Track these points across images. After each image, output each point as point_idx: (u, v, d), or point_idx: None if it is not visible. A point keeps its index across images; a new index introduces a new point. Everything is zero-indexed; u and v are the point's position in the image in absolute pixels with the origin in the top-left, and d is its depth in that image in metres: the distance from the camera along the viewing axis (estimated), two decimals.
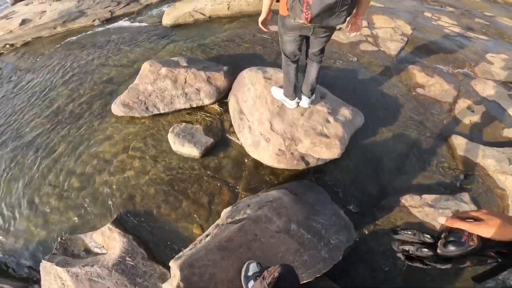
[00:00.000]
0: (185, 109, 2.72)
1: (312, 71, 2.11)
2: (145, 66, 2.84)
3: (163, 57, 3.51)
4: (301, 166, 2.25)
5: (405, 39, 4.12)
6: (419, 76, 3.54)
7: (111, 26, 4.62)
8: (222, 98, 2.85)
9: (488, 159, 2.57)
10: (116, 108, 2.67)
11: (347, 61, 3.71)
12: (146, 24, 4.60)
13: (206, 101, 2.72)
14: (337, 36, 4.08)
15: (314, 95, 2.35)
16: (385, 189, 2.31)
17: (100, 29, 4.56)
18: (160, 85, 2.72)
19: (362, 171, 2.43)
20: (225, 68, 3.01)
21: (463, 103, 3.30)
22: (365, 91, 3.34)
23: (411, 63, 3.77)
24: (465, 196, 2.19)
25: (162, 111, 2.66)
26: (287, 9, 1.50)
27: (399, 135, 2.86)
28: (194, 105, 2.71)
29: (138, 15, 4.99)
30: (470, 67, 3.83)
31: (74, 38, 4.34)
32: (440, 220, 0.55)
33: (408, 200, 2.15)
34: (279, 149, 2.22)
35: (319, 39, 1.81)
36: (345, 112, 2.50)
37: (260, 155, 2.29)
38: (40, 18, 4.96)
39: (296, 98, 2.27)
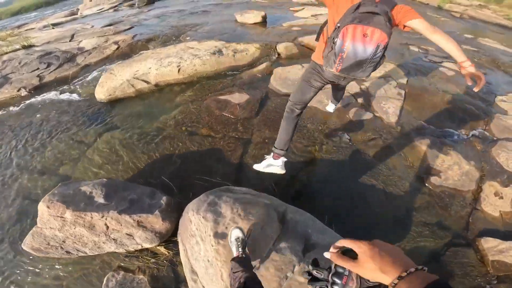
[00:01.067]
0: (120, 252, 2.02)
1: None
2: (42, 209, 1.97)
3: (92, 160, 2.62)
4: None
5: (402, 93, 3.29)
6: (431, 155, 2.73)
7: (38, 99, 3.59)
8: (170, 236, 2.10)
9: None
10: (28, 250, 1.98)
11: (337, 145, 2.80)
12: (78, 98, 3.52)
13: (147, 245, 1.99)
14: (319, 101, 3.15)
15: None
16: None
17: (24, 103, 3.51)
18: (72, 232, 1.95)
19: None
20: (163, 201, 2.06)
21: (489, 189, 2.56)
22: (364, 195, 2.48)
23: (417, 133, 2.95)
24: None
25: (90, 254, 2.00)
26: (322, 57, 1.64)
27: (411, 249, 2.19)
28: (132, 249, 2.00)
29: (72, 81, 3.96)
30: (485, 124, 3.09)
31: None
32: (325, 254, 0.56)
33: None
34: None
35: (341, 85, 2.19)
36: None
37: None
38: None
39: (283, 157, 2.18)
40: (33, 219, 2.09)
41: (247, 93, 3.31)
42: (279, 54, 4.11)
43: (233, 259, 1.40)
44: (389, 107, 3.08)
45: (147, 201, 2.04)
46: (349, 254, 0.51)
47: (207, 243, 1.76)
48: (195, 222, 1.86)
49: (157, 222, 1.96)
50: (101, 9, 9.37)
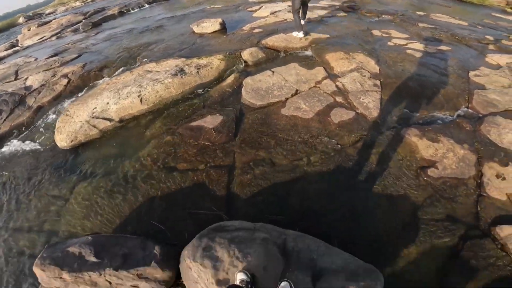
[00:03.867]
0: None
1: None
2: (39, 272, 1.87)
3: (73, 214, 2.40)
4: None
5: (378, 83, 3.16)
6: (422, 146, 2.59)
7: None
8: (176, 279, 1.96)
9: None
10: None
11: (325, 154, 2.58)
12: (41, 148, 3.13)
13: None
14: (297, 108, 2.92)
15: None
16: None
17: None
18: None
19: None
20: (156, 251, 1.89)
21: (489, 171, 2.46)
22: (365, 203, 2.30)
23: (403, 124, 2.81)
24: None
25: None
26: None
27: (427, 250, 2.06)
28: None
29: (28, 127, 3.54)
30: (467, 102, 3.02)
31: None
32: None
33: None
34: None
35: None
36: None
37: None
38: None
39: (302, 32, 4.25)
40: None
41: (220, 114, 3.02)
42: (245, 62, 3.84)
43: None
44: (369, 101, 2.91)
45: (140, 253, 1.93)
46: None
47: None
48: (195, 269, 1.76)
49: (157, 272, 1.87)
50: (42, 37, 8.53)
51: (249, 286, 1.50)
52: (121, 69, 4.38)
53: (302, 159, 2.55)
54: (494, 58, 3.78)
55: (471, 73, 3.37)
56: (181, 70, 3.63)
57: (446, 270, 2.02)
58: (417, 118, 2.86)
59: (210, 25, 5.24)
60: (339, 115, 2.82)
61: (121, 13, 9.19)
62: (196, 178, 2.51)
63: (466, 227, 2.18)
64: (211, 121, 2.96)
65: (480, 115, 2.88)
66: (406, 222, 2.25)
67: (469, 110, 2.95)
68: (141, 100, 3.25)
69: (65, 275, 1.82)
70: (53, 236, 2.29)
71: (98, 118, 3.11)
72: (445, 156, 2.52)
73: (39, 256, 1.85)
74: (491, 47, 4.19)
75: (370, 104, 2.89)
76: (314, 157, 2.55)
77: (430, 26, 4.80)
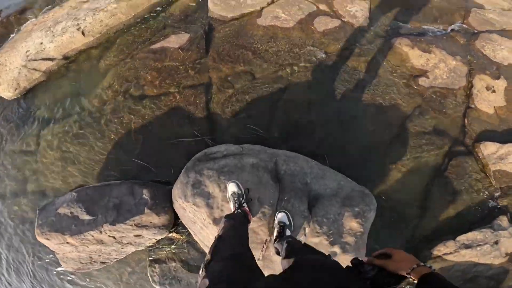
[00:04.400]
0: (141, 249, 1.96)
1: None
2: (45, 242, 1.77)
3: (50, 167, 2.12)
4: None
5: None
6: (413, 55, 2.33)
7: None
8: (175, 220, 1.91)
9: None
10: (70, 270, 1.93)
11: (309, 63, 2.24)
12: None
13: (159, 237, 1.93)
14: (275, 17, 2.48)
15: None
16: (413, 239, 1.88)
17: None
18: (89, 249, 1.84)
19: (382, 224, 1.82)
20: (146, 195, 1.78)
21: (479, 83, 2.30)
22: (354, 114, 2.08)
23: (394, 34, 2.50)
24: (503, 221, 1.84)
25: (120, 257, 1.95)
26: None
27: (413, 167, 2.02)
28: (149, 244, 1.94)
29: None
30: (462, 18, 2.76)
31: None
32: (364, 259, 0.71)
33: (441, 249, 1.81)
34: None
35: None
36: (352, 224, 1.53)
37: None
38: None
39: None
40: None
41: (186, 32, 2.52)
42: None
43: (225, 216, 1.23)
44: (356, 10, 2.53)
45: (131, 200, 1.80)
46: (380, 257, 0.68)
47: (210, 228, 1.57)
48: (189, 210, 1.63)
49: (153, 218, 1.79)
50: None
51: (241, 199, 1.37)
52: (47, 7, 3.55)
53: (285, 69, 2.20)
54: None
55: None
56: None
57: (428, 190, 1.96)
58: (408, 29, 2.56)
59: None
60: (324, 24, 2.42)
61: None
62: (169, 103, 2.18)
63: (452, 142, 2.11)
64: (175, 40, 2.47)
65: (476, 31, 2.65)
66: (394, 134, 2.09)
67: (464, 25, 2.69)
68: (83, 33, 2.66)
69: (70, 239, 1.75)
70: (40, 196, 2.07)
71: (35, 60, 2.56)
72: (436, 66, 2.30)
73: (36, 224, 1.74)
74: None
75: (358, 13, 2.52)
76: (298, 67, 2.21)
77: None
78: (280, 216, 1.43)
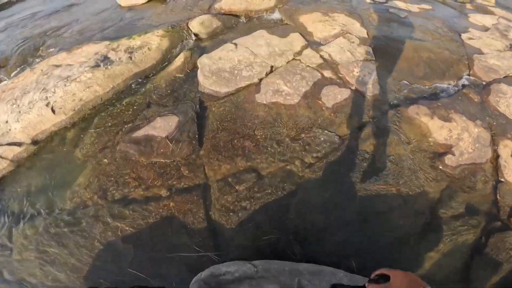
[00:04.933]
0: None
1: None
2: None
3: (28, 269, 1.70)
4: None
5: (370, 50, 2.55)
6: (434, 127, 2.12)
7: None
8: None
9: None
10: None
11: (322, 151, 1.96)
12: None
13: None
14: (277, 91, 2.18)
15: None
16: None
17: None
18: None
19: None
20: None
21: (504, 151, 2.15)
22: (378, 208, 1.86)
23: (407, 100, 2.29)
24: None
25: None
26: None
27: (449, 250, 1.78)
28: None
29: None
30: (468, 68, 2.61)
31: None
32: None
33: None
34: None
35: None
36: None
37: None
38: None
39: None
40: None
41: (173, 113, 2.16)
42: (196, 36, 2.88)
43: None
44: (364, 74, 2.29)
45: None
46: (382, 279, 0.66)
47: None
48: None
49: None
50: None
51: None
52: (19, 68, 3.09)
53: (294, 163, 1.88)
54: (477, 19, 3.46)
55: (464, 36, 2.97)
56: (105, 58, 2.55)
57: (469, 268, 1.78)
58: (421, 91, 2.37)
59: None
60: (332, 96, 2.16)
61: None
62: (161, 210, 1.79)
63: (486, 218, 1.91)
64: (162, 125, 2.09)
65: (484, 83, 2.50)
66: (425, 222, 1.85)
67: (471, 77, 2.55)
68: (53, 110, 2.23)
69: None
70: None
71: (1, 145, 2.07)
72: (460, 138, 2.10)
73: None
74: (468, 6, 3.87)
75: (367, 78, 2.28)
76: (309, 158, 1.91)
77: None
78: None
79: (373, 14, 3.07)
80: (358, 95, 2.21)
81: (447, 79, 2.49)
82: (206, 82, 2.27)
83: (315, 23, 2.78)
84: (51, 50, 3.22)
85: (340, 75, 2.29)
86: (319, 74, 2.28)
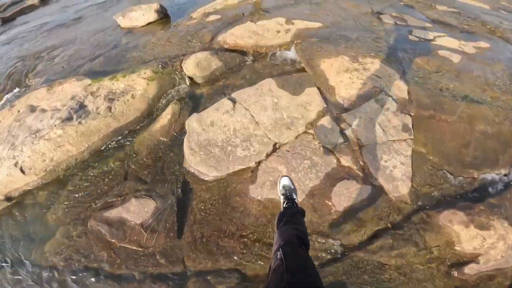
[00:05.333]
0: None
1: None
2: None
3: None
4: None
5: (409, 122, 1.99)
6: (466, 237, 1.67)
7: None
8: None
9: None
10: None
11: (319, 259, 1.55)
12: None
13: None
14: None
15: None
16: None
17: None
18: None
19: None
20: None
21: None
22: None
23: (441, 201, 1.79)
24: None
25: None
26: None
27: None
28: None
29: None
30: None
31: None
32: None
33: None
34: None
35: None
36: None
37: None
38: None
39: None
40: None
41: (151, 197, 1.81)
42: (191, 79, 2.41)
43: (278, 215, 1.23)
44: (395, 165, 1.76)
45: None
46: None
47: None
48: None
49: None
50: None
51: (289, 194, 1.39)
52: (4, 99, 2.84)
53: None
54: None
55: None
56: (81, 107, 2.17)
57: None
58: (461, 185, 1.81)
59: (141, 15, 3.43)
60: (347, 196, 1.68)
61: (44, 1, 6.42)
62: None
63: None
64: (137, 209, 1.80)
65: None
66: None
67: None
68: (22, 171, 1.97)
69: None
70: None
71: None
72: (493, 246, 1.64)
73: None
74: None
75: (397, 171, 1.75)
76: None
77: (450, 9, 3.52)
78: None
79: (418, 59, 2.40)
80: (380, 194, 1.71)
81: (500, 167, 1.90)
82: (192, 160, 1.86)
83: (340, 73, 2.19)
84: (37, 79, 2.95)
85: (362, 164, 1.78)
86: (335, 161, 1.78)
